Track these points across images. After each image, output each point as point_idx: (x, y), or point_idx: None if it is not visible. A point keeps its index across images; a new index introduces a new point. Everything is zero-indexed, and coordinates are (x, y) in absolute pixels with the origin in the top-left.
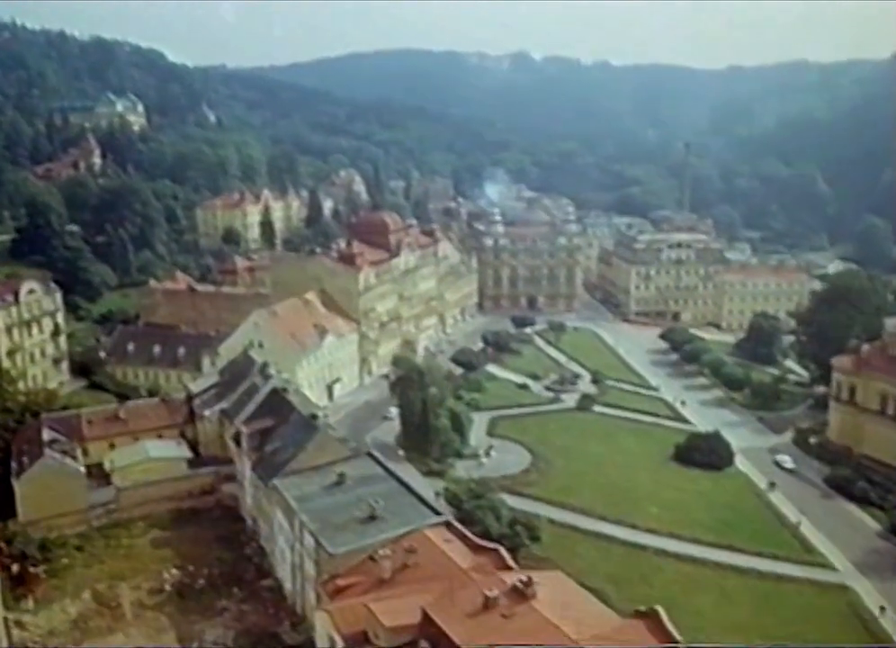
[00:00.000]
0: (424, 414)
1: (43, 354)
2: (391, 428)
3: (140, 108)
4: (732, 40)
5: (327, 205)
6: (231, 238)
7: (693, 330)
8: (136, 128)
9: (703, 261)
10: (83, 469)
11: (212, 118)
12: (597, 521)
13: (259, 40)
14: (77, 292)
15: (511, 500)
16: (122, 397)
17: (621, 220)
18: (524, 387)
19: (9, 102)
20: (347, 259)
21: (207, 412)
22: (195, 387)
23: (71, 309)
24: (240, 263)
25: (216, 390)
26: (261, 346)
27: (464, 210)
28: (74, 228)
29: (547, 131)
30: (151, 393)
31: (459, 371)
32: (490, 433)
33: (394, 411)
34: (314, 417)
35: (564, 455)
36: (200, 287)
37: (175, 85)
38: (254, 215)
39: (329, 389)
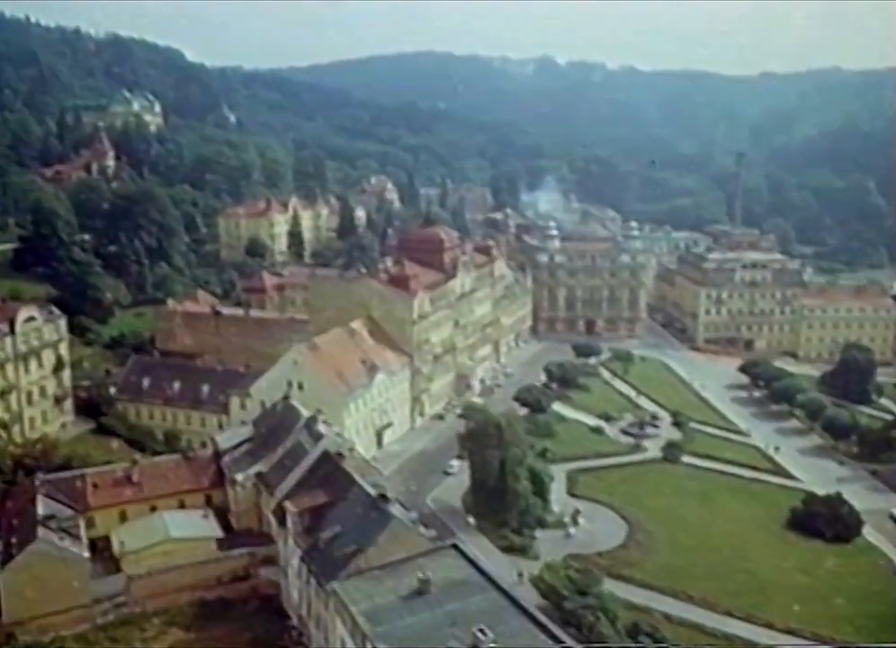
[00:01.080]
0: (501, 476)
1: (43, 393)
2: (455, 487)
3: (157, 108)
4: (763, 46)
5: (359, 214)
6: (256, 249)
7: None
8: (152, 128)
9: (779, 283)
10: (86, 553)
11: (232, 119)
12: (724, 618)
13: (277, 41)
14: (86, 312)
15: (612, 585)
16: (135, 443)
17: (678, 234)
18: (597, 431)
19: (18, 99)
20: (400, 282)
21: (240, 476)
22: (224, 441)
23: (78, 331)
24: (268, 280)
25: (250, 446)
26: (301, 387)
27: (511, 222)
28: (84, 237)
29: (578, 137)
30: (169, 439)
31: (522, 410)
32: (572, 492)
33: (456, 464)
34: (384, 497)
35: (662, 523)
36: (225, 310)
37: (194, 84)
38: (281, 225)
39: (379, 435)
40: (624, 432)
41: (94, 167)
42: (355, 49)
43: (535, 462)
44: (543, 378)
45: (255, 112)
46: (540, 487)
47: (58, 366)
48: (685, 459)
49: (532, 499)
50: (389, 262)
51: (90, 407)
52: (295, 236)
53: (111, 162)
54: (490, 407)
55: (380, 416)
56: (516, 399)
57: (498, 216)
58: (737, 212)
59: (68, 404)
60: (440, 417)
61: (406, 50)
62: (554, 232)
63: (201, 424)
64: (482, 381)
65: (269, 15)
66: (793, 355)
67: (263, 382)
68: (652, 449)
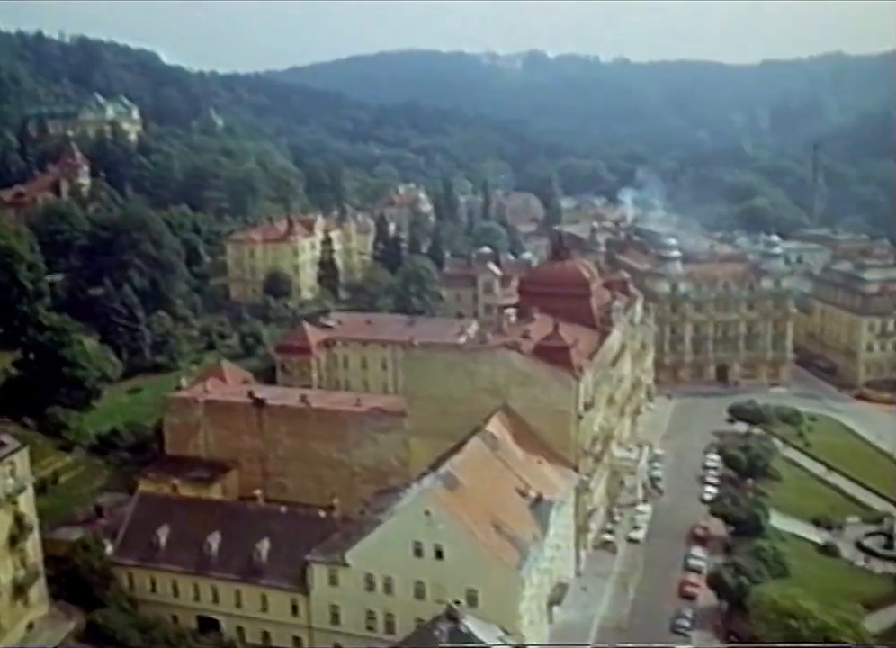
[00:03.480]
0: None
1: None
2: None
3: (136, 114)
4: (761, 33)
5: (393, 232)
6: (278, 285)
7: None
8: (132, 137)
9: None
10: None
11: (220, 124)
12: None
13: (253, 43)
14: (60, 399)
15: None
16: None
17: (787, 244)
18: (827, 550)
19: None
20: (553, 355)
21: None
22: None
23: (49, 430)
24: (312, 334)
25: None
26: (439, 555)
27: (600, 237)
28: (54, 278)
29: (590, 133)
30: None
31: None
32: None
33: None
34: None
35: None
36: (269, 395)
37: (172, 88)
38: (306, 251)
39: (550, 608)
40: (861, 548)
41: (65, 187)
42: (334, 50)
43: None
44: (711, 461)
45: (242, 117)
46: None
47: (19, 534)
48: None
49: None
50: (508, 315)
51: (73, 581)
52: (327, 265)
53: (85, 179)
54: (674, 524)
55: (550, 578)
56: (711, 510)
57: (573, 229)
58: (815, 212)
59: (37, 588)
60: (607, 545)
61: (388, 50)
62: (675, 252)
63: (261, 609)
64: (630, 469)
65: (244, 18)
66: None
67: (369, 543)
68: None
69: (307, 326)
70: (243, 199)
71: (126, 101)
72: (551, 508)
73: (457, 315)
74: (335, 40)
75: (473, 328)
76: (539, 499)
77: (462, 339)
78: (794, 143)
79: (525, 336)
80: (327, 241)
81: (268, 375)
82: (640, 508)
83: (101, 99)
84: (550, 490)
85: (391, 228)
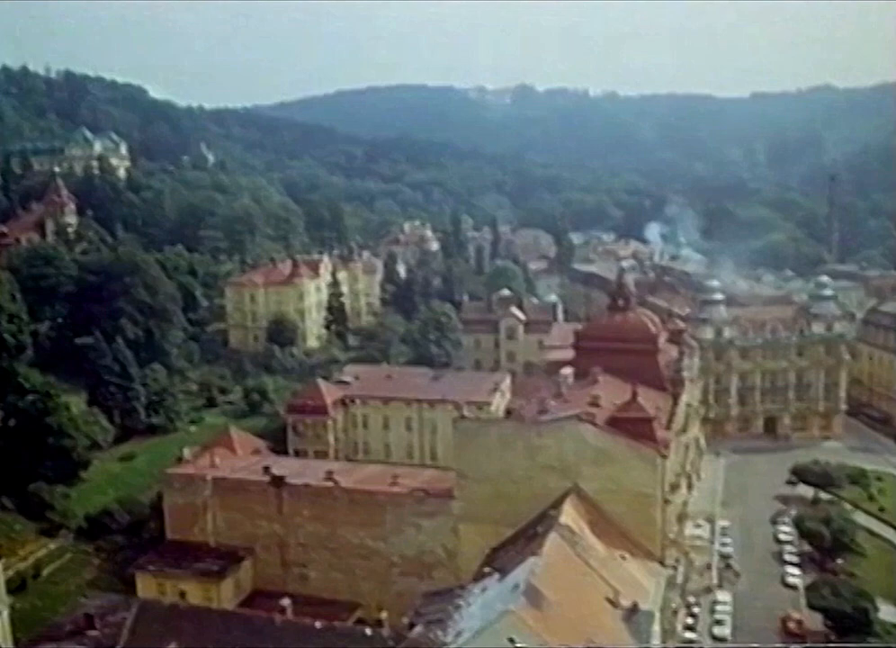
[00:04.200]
0: None
1: None
2: None
3: (124, 149)
4: (749, 65)
5: (401, 273)
6: (282, 333)
7: None
8: (121, 173)
9: None
10: None
11: (212, 159)
12: None
13: (240, 78)
14: (43, 474)
15: None
16: None
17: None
18: None
19: None
20: (634, 427)
21: None
22: None
23: (31, 511)
24: (327, 391)
25: None
26: None
27: (630, 277)
28: (38, 327)
29: (586, 167)
30: None
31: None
32: None
33: None
34: None
35: None
36: (288, 470)
37: (161, 123)
38: (312, 295)
39: None
40: None
41: (50, 226)
42: (322, 84)
43: None
44: (784, 534)
45: (232, 152)
46: None
47: None
48: None
49: None
50: (566, 376)
51: None
52: (336, 310)
53: (71, 218)
54: (760, 615)
55: None
56: (808, 602)
57: (593, 269)
58: (833, 246)
59: None
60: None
61: (376, 84)
62: (718, 295)
63: None
64: (704, 549)
65: (231, 52)
66: None
67: None
68: None
69: (321, 383)
70: (241, 238)
71: (114, 136)
72: (651, 621)
73: (475, 364)
74: (323, 74)
75: (506, 383)
76: (634, 609)
77: (497, 397)
78: (795, 176)
79: (594, 403)
80: (335, 283)
81: (277, 436)
82: (719, 595)
83: (88, 134)
84: (640, 593)
85: (401, 268)
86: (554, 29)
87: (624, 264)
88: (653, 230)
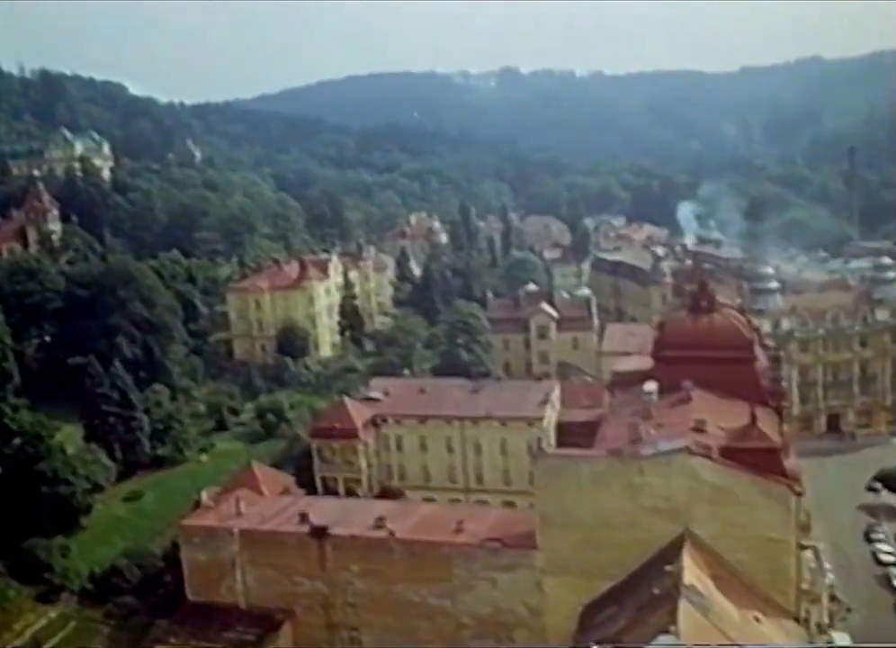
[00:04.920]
0: None
1: None
2: None
3: (107, 149)
4: (737, 39)
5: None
6: (293, 342)
7: None
8: (105, 174)
9: None
10: None
11: (199, 156)
12: None
13: (220, 72)
14: (39, 525)
15: None
16: None
17: (859, 263)
18: None
19: None
20: (756, 459)
21: None
22: None
23: (26, 574)
24: (356, 412)
25: None
26: None
27: (666, 266)
28: (24, 349)
29: (581, 148)
30: None
31: None
32: None
33: None
34: None
35: None
36: (329, 516)
37: (143, 120)
38: (322, 298)
39: None
40: None
41: (32, 235)
42: (303, 75)
43: None
44: (886, 554)
45: (218, 148)
46: None
47: None
48: None
49: None
50: (651, 392)
51: None
52: (350, 314)
53: (55, 225)
54: None
55: None
56: None
57: (621, 257)
58: (854, 221)
59: None
60: None
61: (358, 73)
62: (774, 283)
63: None
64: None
65: (208, 46)
66: None
67: None
68: None
69: (348, 402)
70: (239, 238)
71: (95, 135)
72: None
73: (504, 366)
74: (303, 65)
75: (556, 392)
76: None
77: (549, 410)
78: (795, 150)
79: (699, 428)
80: (347, 285)
81: (299, 462)
82: (837, 638)
83: (68, 134)
84: None
85: (413, 264)
86: (537, 9)
87: (659, 251)
88: (685, 211)
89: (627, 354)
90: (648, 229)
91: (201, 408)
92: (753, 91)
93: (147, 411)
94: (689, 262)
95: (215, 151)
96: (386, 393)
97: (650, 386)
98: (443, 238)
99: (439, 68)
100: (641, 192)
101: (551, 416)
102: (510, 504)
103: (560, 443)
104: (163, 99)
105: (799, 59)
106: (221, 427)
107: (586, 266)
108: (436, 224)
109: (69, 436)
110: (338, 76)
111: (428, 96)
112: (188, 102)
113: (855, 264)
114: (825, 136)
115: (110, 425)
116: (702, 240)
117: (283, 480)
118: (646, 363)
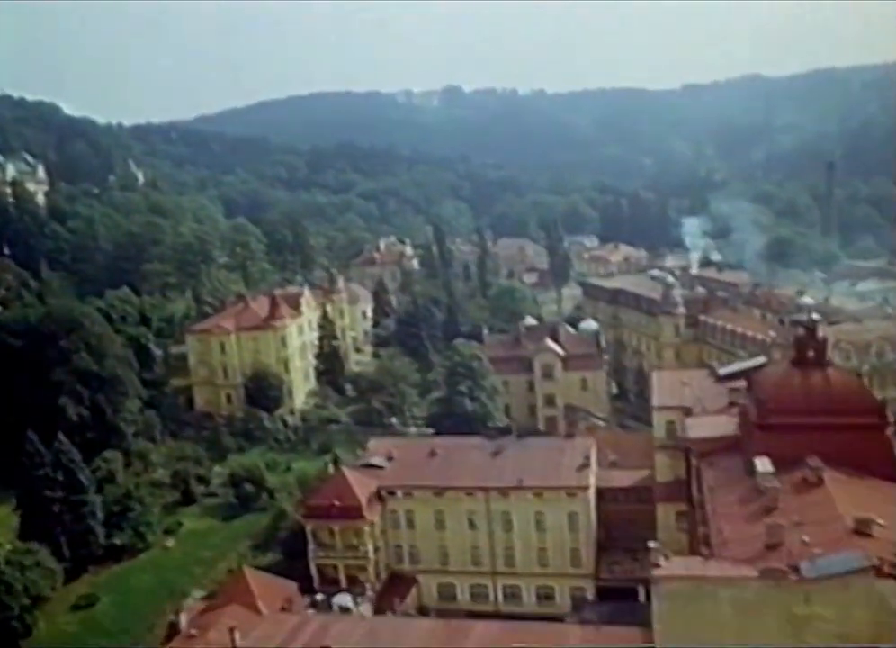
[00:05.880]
0: None
1: None
2: None
3: (42, 172)
4: (677, 57)
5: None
6: (265, 390)
7: None
8: (40, 200)
9: None
10: None
11: (141, 179)
12: None
13: (156, 92)
14: None
15: None
16: None
17: (867, 285)
18: None
19: None
20: None
21: None
22: None
23: None
24: (357, 483)
25: None
26: None
27: (678, 294)
28: None
29: (537, 167)
30: None
31: None
32: None
33: None
34: None
35: None
36: (349, 636)
37: (79, 142)
38: (294, 337)
39: None
40: None
41: None
42: (242, 95)
43: None
44: None
45: (160, 170)
46: None
47: None
48: None
49: None
50: (765, 472)
51: None
52: (329, 357)
53: None
54: None
55: None
56: None
57: (621, 284)
58: (832, 236)
59: None
60: None
61: (299, 93)
62: (816, 315)
63: None
64: None
65: (145, 65)
66: None
67: None
68: None
69: (349, 474)
70: (193, 269)
71: (29, 157)
72: None
73: (504, 410)
74: (241, 85)
75: (593, 451)
76: None
77: (588, 476)
78: (748, 167)
79: (863, 530)
80: (326, 323)
81: (287, 545)
82: None
83: None
84: None
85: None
86: (476, 29)
87: (669, 279)
88: (692, 228)
89: (685, 408)
90: (624, 249)
91: (160, 473)
92: (697, 108)
93: (99, 489)
94: (700, 289)
95: (158, 173)
96: (389, 458)
97: (766, 465)
98: (415, 264)
99: (382, 88)
100: (610, 210)
101: (592, 482)
102: (547, 588)
103: (601, 513)
104: (100, 120)
105: (741, 76)
106: (187, 499)
107: (566, 292)
108: (408, 249)
109: (4, 549)
110: (280, 95)
111: (373, 115)
112: (126, 123)
113: (861, 286)
114: (779, 152)
115: (54, 515)
116: (705, 263)
117: (282, 589)
118: (726, 426)
